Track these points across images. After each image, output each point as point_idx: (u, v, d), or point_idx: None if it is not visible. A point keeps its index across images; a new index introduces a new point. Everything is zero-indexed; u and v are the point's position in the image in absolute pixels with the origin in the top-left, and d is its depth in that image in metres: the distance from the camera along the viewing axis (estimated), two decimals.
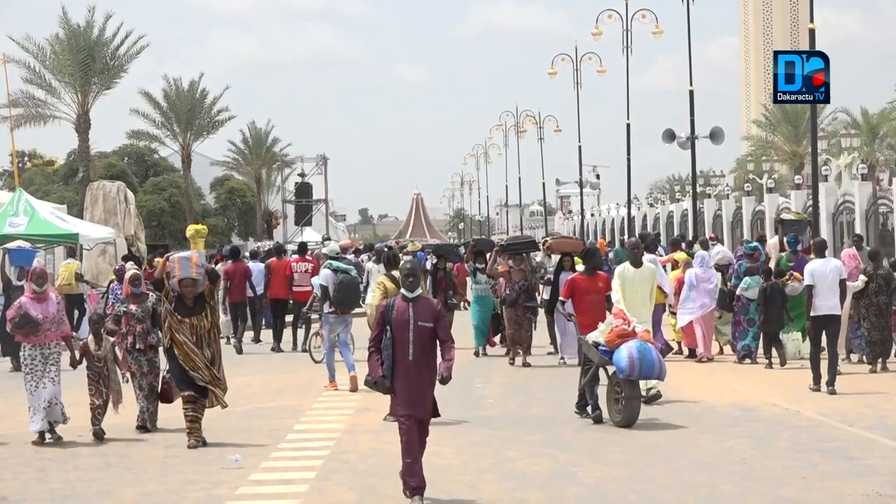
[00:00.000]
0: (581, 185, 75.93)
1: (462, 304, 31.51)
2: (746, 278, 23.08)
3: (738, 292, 23.07)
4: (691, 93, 46.61)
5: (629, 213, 60.23)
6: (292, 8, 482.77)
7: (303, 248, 30.23)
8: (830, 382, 18.48)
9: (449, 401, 18.56)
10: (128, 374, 15.91)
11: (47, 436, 15.21)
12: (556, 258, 25.10)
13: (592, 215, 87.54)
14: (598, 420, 15.95)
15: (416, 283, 11.50)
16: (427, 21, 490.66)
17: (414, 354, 11.32)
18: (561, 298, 17.17)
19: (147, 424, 15.82)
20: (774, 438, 14.57)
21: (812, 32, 29.90)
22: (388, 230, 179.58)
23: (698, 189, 53.25)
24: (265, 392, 19.95)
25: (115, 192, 42.62)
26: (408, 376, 11.33)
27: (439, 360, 11.56)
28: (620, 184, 57.04)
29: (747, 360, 22.66)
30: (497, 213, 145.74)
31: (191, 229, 39.21)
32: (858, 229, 37.26)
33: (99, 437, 15.21)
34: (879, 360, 21.13)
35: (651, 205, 73.17)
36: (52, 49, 51.41)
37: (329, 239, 31.41)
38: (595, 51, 65.56)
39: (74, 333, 16.48)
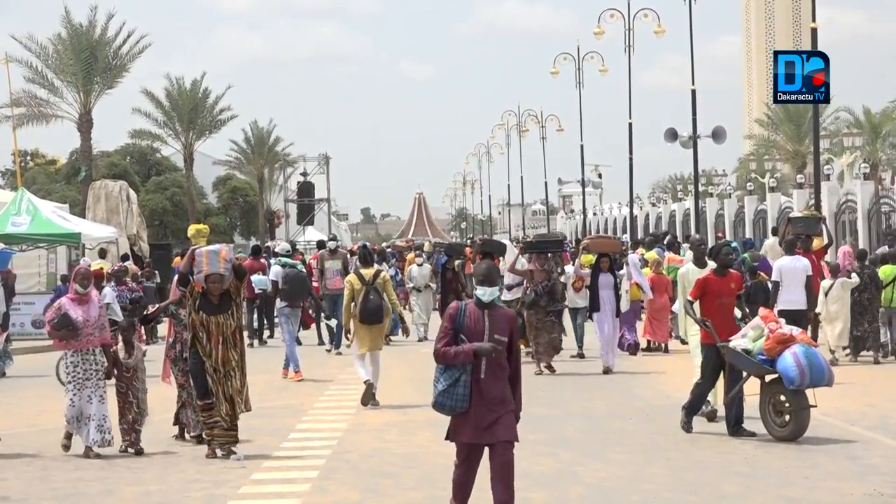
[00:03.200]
0: (583, 185, 75.91)
1: None
2: None
3: None
4: (693, 92, 46.64)
5: (631, 212, 60.22)
6: (297, 6, 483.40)
7: (320, 245, 30.76)
8: None
9: None
10: (146, 386, 14.80)
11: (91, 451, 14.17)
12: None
13: (595, 214, 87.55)
14: (736, 435, 14.62)
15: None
16: (431, 18, 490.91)
17: (487, 372, 9.65)
18: (689, 299, 15.16)
19: (194, 433, 14.85)
20: (777, 438, 14.54)
21: (814, 31, 29.92)
22: (390, 229, 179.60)
23: (700, 188, 53.31)
24: (267, 391, 19.93)
25: (118, 191, 42.68)
26: (477, 397, 9.67)
27: None
28: (622, 183, 57.19)
29: None
30: (499, 213, 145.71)
31: (192, 229, 39.17)
32: (860, 229, 37.29)
33: (140, 452, 14.28)
34: (865, 352, 22.22)
35: (653, 204, 73.17)
36: (55, 48, 51.43)
37: (335, 238, 31.71)
38: (597, 50, 65.60)
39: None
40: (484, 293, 9.76)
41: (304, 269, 23.65)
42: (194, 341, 13.88)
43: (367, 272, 18.38)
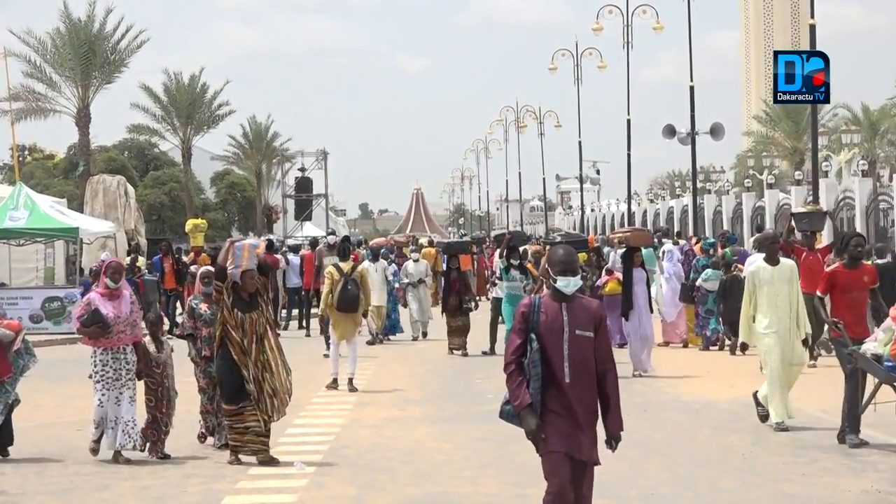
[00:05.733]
0: (581, 181, 75.97)
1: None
2: (707, 270, 24.59)
3: (698, 283, 24.51)
4: (692, 88, 46.61)
5: (629, 208, 60.29)
6: None
7: (346, 241, 31.35)
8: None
9: (449, 396, 18.62)
10: (176, 389, 14.03)
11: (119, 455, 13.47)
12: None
13: (592, 210, 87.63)
14: (859, 445, 13.50)
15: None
16: (428, 11, 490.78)
17: (571, 374, 8.17)
18: (819, 294, 13.94)
19: (217, 440, 14.06)
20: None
21: (812, 28, 29.93)
22: (388, 225, 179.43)
23: (698, 185, 53.30)
24: None
25: (116, 186, 42.68)
26: (562, 405, 8.24)
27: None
28: (620, 179, 57.33)
29: (713, 347, 24.35)
30: (497, 209, 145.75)
31: (190, 224, 39.36)
32: (858, 226, 37.33)
33: (159, 454, 13.59)
34: None
35: (651, 200, 73.25)
36: (53, 43, 51.37)
37: (334, 232, 31.85)
38: (596, 45, 65.83)
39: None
40: (567, 284, 8.22)
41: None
42: (223, 341, 13.11)
43: (345, 265, 19.58)
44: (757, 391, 15.23)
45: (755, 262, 15.38)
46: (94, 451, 13.60)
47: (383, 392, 19.08)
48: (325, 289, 19.61)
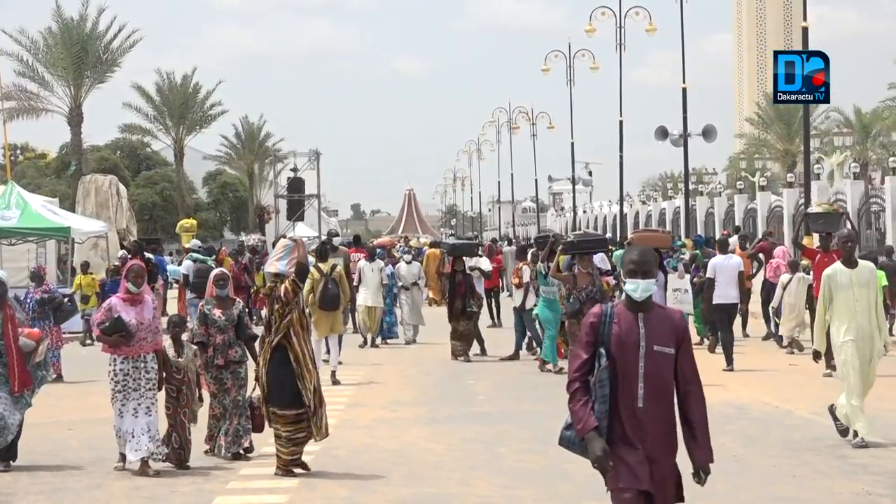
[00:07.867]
0: (573, 182, 75.95)
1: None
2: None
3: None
4: (684, 90, 46.70)
5: (621, 210, 60.30)
6: (291, 1, 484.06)
7: (357, 239, 32.37)
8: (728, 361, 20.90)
9: (441, 397, 18.62)
10: (204, 393, 13.51)
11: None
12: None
13: (584, 212, 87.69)
14: None
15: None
16: (424, 14, 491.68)
17: (646, 397, 7.03)
18: None
19: (232, 449, 13.43)
20: (766, 436, 14.57)
21: (805, 30, 29.96)
22: (380, 225, 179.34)
23: (691, 186, 53.39)
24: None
25: (108, 185, 42.58)
26: (634, 433, 7.08)
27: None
28: (613, 181, 57.34)
29: None
30: (489, 210, 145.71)
31: (178, 225, 39.54)
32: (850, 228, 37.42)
33: (184, 463, 13.01)
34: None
35: (643, 202, 73.32)
36: (46, 42, 51.42)
37: (337, 235, 32.09)
38: (589, 47, 65.64)
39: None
40: (636, 288, 7.16)
41: (213, 264, 25.90)
42: (283, 342, 12.53)
43: (325, 266, 20.82)
44: (833, 405, 14.14)
45: (833, 265, 14.18)
46: (121, 466, 12.91)
47: (375, 393, 19.08)
48: (305, 291, 19.67)
